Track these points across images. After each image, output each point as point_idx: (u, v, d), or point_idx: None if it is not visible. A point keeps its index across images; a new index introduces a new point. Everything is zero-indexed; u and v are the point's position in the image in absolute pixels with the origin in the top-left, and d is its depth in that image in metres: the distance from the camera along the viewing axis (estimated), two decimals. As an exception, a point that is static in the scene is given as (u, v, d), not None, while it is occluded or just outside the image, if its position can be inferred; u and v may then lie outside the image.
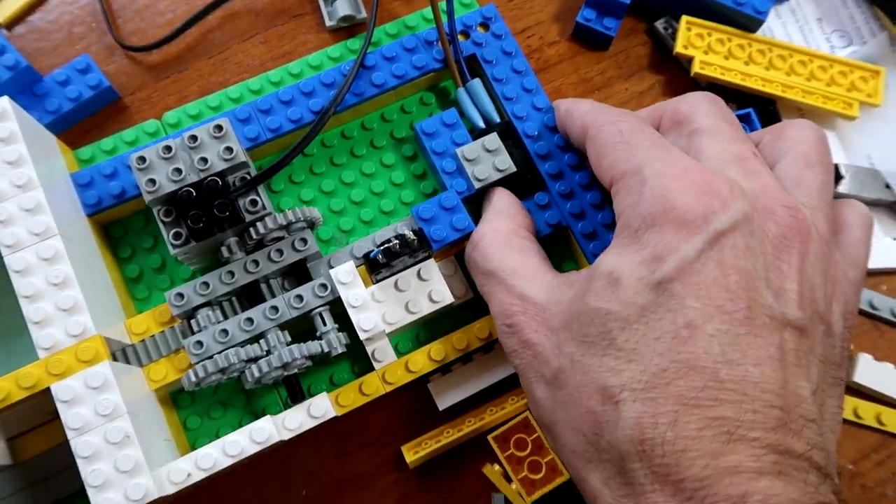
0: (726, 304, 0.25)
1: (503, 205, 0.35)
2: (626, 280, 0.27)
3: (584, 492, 0.28)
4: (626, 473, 0.25)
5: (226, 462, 0.33)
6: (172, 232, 0.35)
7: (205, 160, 0.35)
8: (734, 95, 0.47)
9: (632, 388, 0.25)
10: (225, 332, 0.36)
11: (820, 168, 0.31)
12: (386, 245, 0.36)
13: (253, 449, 0.33)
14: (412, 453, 0.39)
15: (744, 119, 0.45)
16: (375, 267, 0.37)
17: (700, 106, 0.32)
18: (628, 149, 0.31)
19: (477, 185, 0.41)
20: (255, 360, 0.35)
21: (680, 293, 0.25)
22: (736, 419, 0.24)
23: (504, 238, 0.34)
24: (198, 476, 0.32)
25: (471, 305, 0.41)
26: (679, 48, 0.46)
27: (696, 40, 0.46)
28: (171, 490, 0.32)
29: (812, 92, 0.46)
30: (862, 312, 0.43)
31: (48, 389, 0.32)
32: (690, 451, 0.24)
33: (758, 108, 0.46)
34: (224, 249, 0.37)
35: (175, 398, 0.39)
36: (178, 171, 0.35)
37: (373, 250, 0.36)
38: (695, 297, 0.25)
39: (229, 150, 0.35)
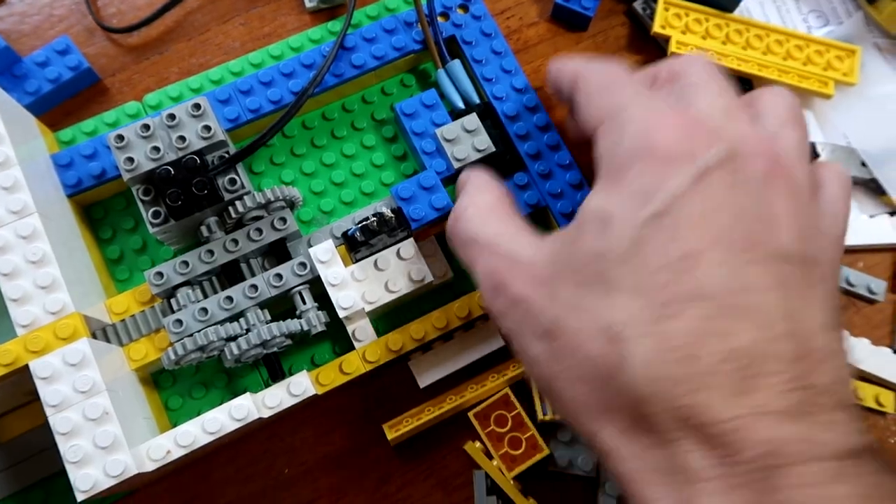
0: (722, 234, 0.24)
1: (481, 180, 0.36)
2: (616, 218, 0.26)
3: (597, 449, 0.26)
4: (645, 420, 0.23)
5: (205, 439, 0.33)
6: (151, 211, 0.35)
7: (183, 139, 0.35)
8: (712, 75, 0.47)
9: (637, 324, 0.24)
10: (204, 310, 0.36)
11: (796, 126, 0.31)
12: (364, 223, 0.36)
13: (232, 426, 0.33)
14: (393, 431, 0.39)
15: (722, 100, 0.46)
16: (354, 245, 0.37)
17: (694, 64, 0.32)
18: (613, 94, 0.30)
19: (456, 165, 0.41)
20: (234, 338, 0.35)
21: (673, 225, 0.25)
22: (753, 349, 0.23)
23: (486, 209, 0.34)
24: (177, 453, 0.33)
25: (450, 286, 0.42)
26: (657, 28, 0.46)
27: (673, 20, 0.46)
28: (150, 467, 0.32)
29: (788, 71, 0.46)
30: (852, 294, 0.44)
31: (27, 367, 0.32)
32: (711, 389, 0.22)
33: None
34: (203, 229, 0.37)
35: (156, 379, 0.40)
36: (157, 149, 0.35)
37: (351, 228, 0.36)
38: (689, 228, 0.25)
39: (207, 128, 0.36)
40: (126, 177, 0.35)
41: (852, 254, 0.45)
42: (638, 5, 0.48)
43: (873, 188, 0.46)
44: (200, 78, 0.44)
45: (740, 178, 0.26)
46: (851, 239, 0.44)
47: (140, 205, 0.35)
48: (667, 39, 0.46)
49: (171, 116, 0.35)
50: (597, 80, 0.33)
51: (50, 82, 0.43)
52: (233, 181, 0.36)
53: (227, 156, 0.36)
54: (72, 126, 0.42)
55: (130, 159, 0.35)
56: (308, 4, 0.47)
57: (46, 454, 0.36)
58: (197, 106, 0.36)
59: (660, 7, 0.46)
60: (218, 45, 0.46)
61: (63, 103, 0.45)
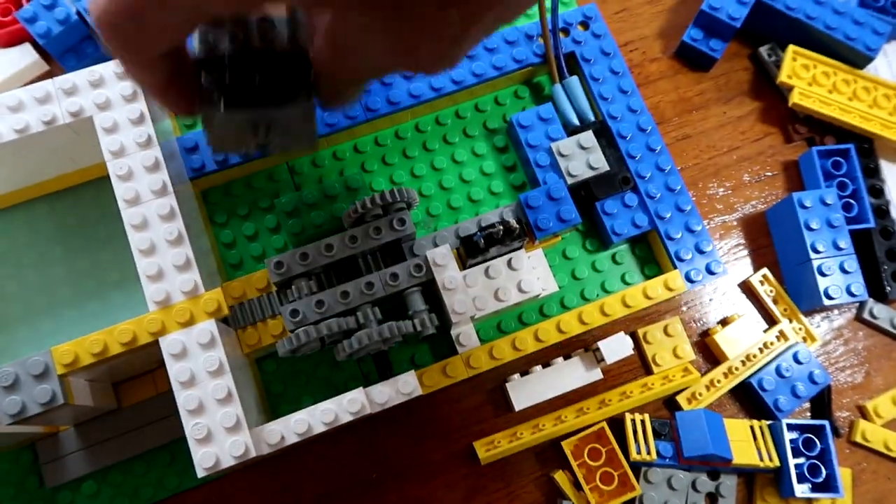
0: None
1: None
2: None
3: None
4: None
5: (319, 428, 0.33)
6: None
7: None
8: (833, 130, 0.46)
9: None
10: (321, 302, 0.36)
11: None
12: (489, 230, 0.37)
13: (345, 418, 0.34)
14: (485, 449, 0.39)
15: (843, 154, 0.45)
16: (474, 251, 0.37)
17: None
18: None
19: (570, 181, 0.41)
20: (349, 333, 0.36)
21: None
22: None
23: None
24: (291, 439, 0.33)
25: (554, 300, 0.42)
26: (783, 77, 0.45)
27: (800, 70, 0.46)
28: (266, 450, 0.33)
29: None
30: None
31: (157, 342, 0.33)
32: None
33: (856, 145, 0.46)
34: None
35: (260, 364, 0.40)
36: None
37: (476, 234, 0.37)
38: None
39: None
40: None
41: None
42: (764, 51, 0.48)
43: None
44: (321, 74, 0.45)
45: None
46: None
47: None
48: (790, 89, 0.46)
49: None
50: None
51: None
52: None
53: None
54: (194, 110, 0.43)
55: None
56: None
57: (158, 425, 0.38)
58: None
59: (788, 56, 0.46)
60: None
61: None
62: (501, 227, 0.36)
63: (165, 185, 0.35)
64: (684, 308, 0.43)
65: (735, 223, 0.45)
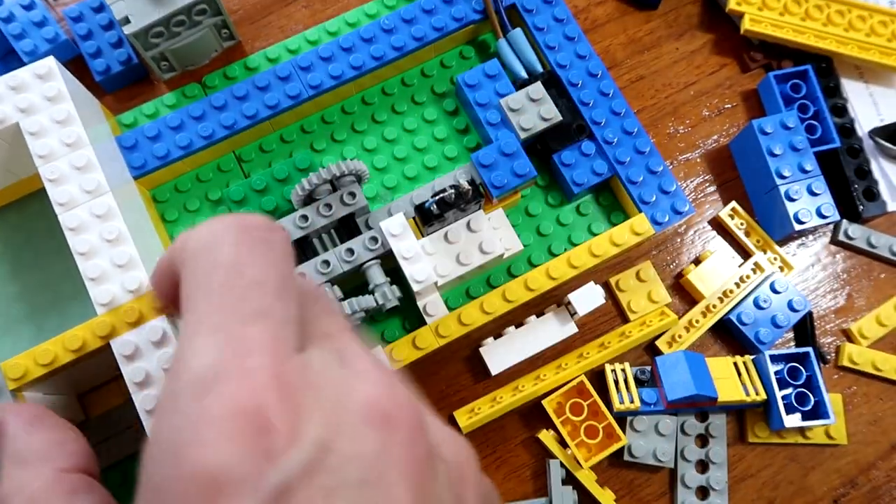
0: None
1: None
2: None
3: None
4: None
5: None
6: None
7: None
8: (789, 52, 0.45)
9: None
10: (278, 287, 0.35)
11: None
12: (440, 195, 0.35)
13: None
14: (466, 418, 0.38)
15: (801, 76, 0.44)
16: (428, 218, 0.36)
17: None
18: (195, 303, 0.20)
19: (523, 136, 0.40)
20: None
21: None
22: None
23: None
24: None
25: (522, 259, 0.41)
26: (732, 5, 0.44)
27: None
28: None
29: (869, 48, 0.44)
30: None
31: (109, 345, 0.32)
32: None
33: (814, 66, 0.44)
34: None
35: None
36: None
37: (427, 201, 0.36)
38: None
39: None
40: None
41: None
42: (711, -20, 0.46)
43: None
44: (258, 57, 0.43)
45: (340, 479, 0.17)
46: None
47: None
48: (741, 16, 0.44)
49: None
50: (202, 269, 0.20)
51: (121, 63, 0.43)
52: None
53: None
54: (132, 109, 0.42)
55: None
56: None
57: (122, 437, 0.37)
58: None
59: None
60: (280, 28, 0.46)
61: (122, 89, 0.45)
62: (453, 191, 0.35)
63: (101, 185, 0.34)
64: (655, 252, 0.42)
65: (699, 160, 0.44)
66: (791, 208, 0.40)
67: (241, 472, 0.16)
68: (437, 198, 0.36)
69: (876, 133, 0.44)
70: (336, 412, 0.18)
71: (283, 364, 0.18)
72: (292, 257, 0.22)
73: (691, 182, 0.44)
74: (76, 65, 0.44)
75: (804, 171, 0.40)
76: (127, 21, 0.39)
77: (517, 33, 0.43)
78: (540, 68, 0.43)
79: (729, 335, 0.41)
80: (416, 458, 0.18)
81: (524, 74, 0.42)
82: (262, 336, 0.18)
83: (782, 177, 0.40)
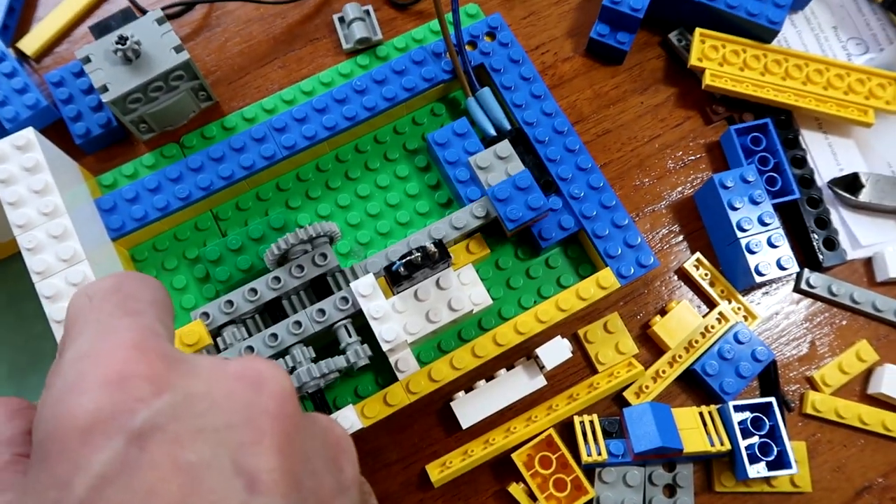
0: None
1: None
2: None
3: None
4: None
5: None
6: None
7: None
8: (750, 106, 0.47)
9: None
10: (251, 348, 0.36)
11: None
12: (408, 258, 0.37)
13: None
14: (437, 472, 0.39)
15: (761, 129, 0.45)
16: (397, 279, 0.37)
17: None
18: (75, 318, 0.23)
19: (490, 192, 0.41)
20: (281, 374, 0.36)
21: None
22: None
23: None
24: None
25: (492, 312, 0.42)
26: (693, 61, 0.46)
27: (710, 52, 0.46)
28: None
29: (826, 100, 0.45)
30: (887, 322, 0.43)
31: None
32: None
33: (774, 119, 0.46)
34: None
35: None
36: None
37: (395, 263, 0.37)
38: None
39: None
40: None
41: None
42: (673, 37, 0.48)
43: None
44: (235, 117, 0.45)
45: (207, 422, 0.20)
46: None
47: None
48: (702, 71, 0.46)
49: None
50: (75, 300, 0.24)
51: (100, 126, 0.44)
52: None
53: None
54: (112, 170, 0.43)
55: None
56: (345, 46, 0.47)
57: None
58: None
59: (696, 39, 0.46)
60: (257, 88, 0.47)
61: (103, 150, 0.46)
62: (419, 253, 0.36)
63: (77, 253, 0.35)
64: (623, 303, 0.43)
65: (665, 211, 0.45)
66: (752, 261, 0.41)
67: (108, 413, 0.19)
68: (404, 260, 0.37)
69: (835, 183, 0.45)
70: (210, 373, 0.21)
71: (153, 340, 0.21)
72: (170, 298, 0.25)
73: (657, 233, 0.45)
74: (57, 128, 0.45)
75: (764, 224, 0.42)
76: (105, 89, 0.40)
77: (485, 92, 0.44)
78: (508, 126, 0.44)
79: (696, 384, 0.42)
80: (286, 412, 0.21)
81: (493, 132, 0.44)
82: (134, 324, 0.21)
83: (743, 230, 0.41)
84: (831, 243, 0.44)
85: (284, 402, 0.21)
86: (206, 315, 0.37)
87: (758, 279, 0.41)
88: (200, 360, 0.21)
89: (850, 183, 0.45)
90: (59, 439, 0.19)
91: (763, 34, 0.46)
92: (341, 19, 0.48)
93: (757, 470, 0.38)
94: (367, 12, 0.48)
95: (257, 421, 0.20)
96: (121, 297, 0.23)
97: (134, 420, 0.19)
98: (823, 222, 0.44)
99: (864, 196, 0.44)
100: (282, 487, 0.20)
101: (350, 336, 0.37)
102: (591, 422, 0.40)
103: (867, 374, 0.43)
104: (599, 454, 0.38)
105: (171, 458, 0.19)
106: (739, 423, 0.39)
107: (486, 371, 0.41)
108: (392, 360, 0.39)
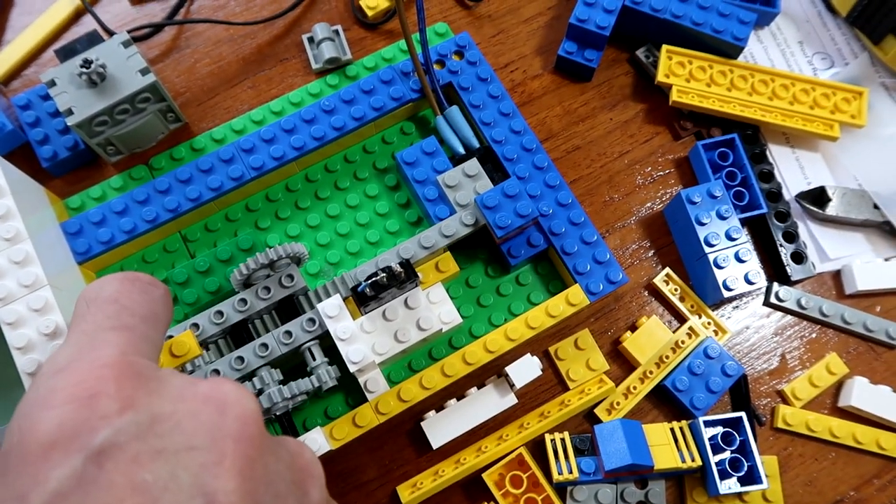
0: None
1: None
2: None
3: None
4: None
5: None
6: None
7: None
8: (718, 121, 0.47)
9: None
10: (216, 371, 0.36)
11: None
12: (373, 279, 0.36)
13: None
14: (408, 493, 0.39)
15: (728, 144, 0.45)
16: (364, 300, 0.37)
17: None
18: (72, 322, 0.24)
19: (458, 211, 0.41)
20: (247, 398, 0.36)
21: None
22: None
23: None
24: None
25: (463, 331, 0.42)
26: (660, 77, 0.46)
27: (677, 69, 0.46)
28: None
29: (792, 115, 0.46)
30: (857, 335, 0.44)
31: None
32: None
33: (741, 134, 0.46)
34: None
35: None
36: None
37: (360, 284, 0.37)
38: None
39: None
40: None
41: (870, 298, 0.44)
42: (641, 54, 0.48)
43: (887, 230, 0.45)
44: (204, 138, 0.45)
45: (167, 443, 0.20)
46: (868, 283, 0.43)
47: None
48: (669, 87, 0.46)
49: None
50: (77, 306, 0.25)
51: (68, 149, 0.44)
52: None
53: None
54: (80, 193, 0.43)
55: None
56: (314, 66, 0.47)
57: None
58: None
59: (662, 56, 0.46)
60: (226, 109, 0.47)
61: (70, 172, 0.45)
62: (384, 274, 0.36)
63: (38, 279, 0.34)
64: (593, 319, 0.43)
65: (635, 226, 0.45)
66: (720, 275, 0.41)
67: (71, 429, 0.19)
68: (370, 280, 0.37)
69: (802, 197, 0.45)
70: (178, 394, 0.21)
71: (131, 357, 0.22)
72: (169, 308, 0.26)
73: (627, 248, 0.45)
74: (24, 151, 0.45)
75: (732, 239, 0.42)
76: (70, 112, 0.40)
77: (454, 110, 0.44)
78: (477, 143, 0.44)
79: (667, 400, 0.42)
80: (248, 434, 0.21)
81: (461, 150, 0.44)
82: (118, 339, 0.23)
83: (710, 245, 0.42)
84: (799, 257, 0.44)
85: (247, 425, 0.22)
86: (196, 326, 0.37)
87: (726, 294, 0.41)
88: (172, 380, 0.22)
89: (818, 196, 0.45)
90: (21, 453, 0.20)
91: (729, 50, 0.47)
92: (311, 39, 0.48)
93: (728, 486, 0.38)
94: (337, 32, 0.48)
95: (220, 443, 0.21)
96: (116, 308, 0.24)
97: (95, 438, 0.19)
98: (791, 236, 0.44)
99: (831, 209, 0.45)
100: None
101: (315, 359, 0.37)
102: (563, 439, 0.39)
103: (837, 387, 0.43)
104: (571, 472, 0.38)
105: (129, 478, 0.19)
106: (710, 439, 0.39)
107: (457, 390, 0.41)
108: (361, 380, 0.39)
